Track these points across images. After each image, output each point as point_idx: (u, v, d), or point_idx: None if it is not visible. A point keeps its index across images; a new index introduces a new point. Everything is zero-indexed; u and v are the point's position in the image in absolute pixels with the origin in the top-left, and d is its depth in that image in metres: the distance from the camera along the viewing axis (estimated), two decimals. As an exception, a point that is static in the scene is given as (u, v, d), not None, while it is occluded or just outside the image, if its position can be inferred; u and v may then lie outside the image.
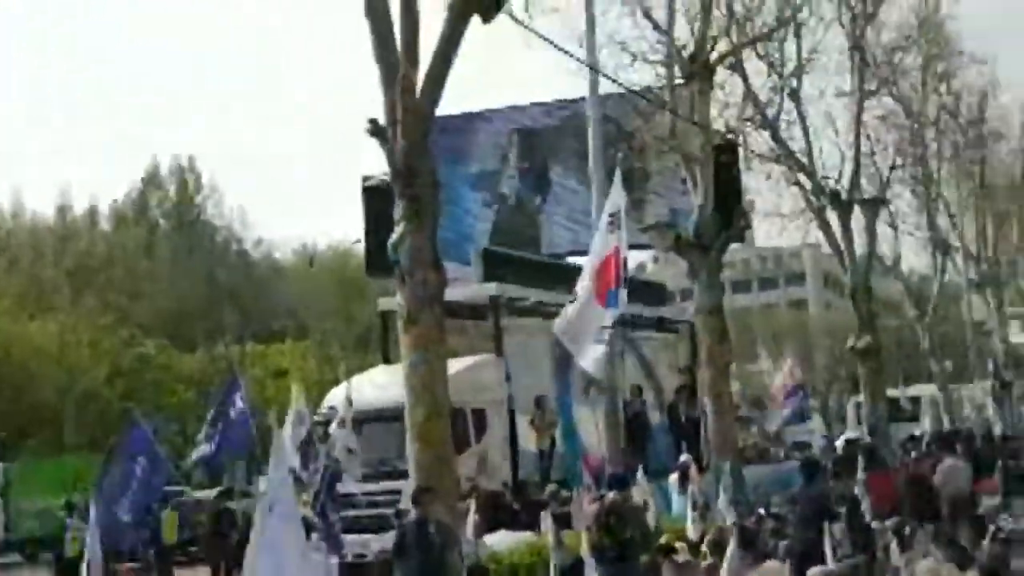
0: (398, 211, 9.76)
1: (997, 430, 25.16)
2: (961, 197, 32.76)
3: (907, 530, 11.13)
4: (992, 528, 10.30)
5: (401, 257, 9.65)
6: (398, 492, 13.02)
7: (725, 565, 9.77)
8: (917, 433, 24.85)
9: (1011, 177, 34.79)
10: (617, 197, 12.06)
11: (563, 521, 12.39)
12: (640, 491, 11.93)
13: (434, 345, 9.78)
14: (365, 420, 16.88)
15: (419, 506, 9.38)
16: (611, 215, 11.97)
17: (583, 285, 11.51)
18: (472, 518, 12.83)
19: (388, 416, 14.14)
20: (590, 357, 11.53)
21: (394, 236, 9.74)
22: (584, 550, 9.80)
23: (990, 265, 33.79)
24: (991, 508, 12.11)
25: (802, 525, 10.03)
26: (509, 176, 25.28)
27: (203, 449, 16.89)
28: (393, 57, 9.49)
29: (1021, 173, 34.70)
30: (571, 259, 23.29)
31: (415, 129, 9.49)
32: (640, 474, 12.90)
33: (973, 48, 30.42)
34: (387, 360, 19.75)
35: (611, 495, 9.62)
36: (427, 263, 9.70)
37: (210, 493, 24.07)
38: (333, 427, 13.05)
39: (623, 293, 11.58)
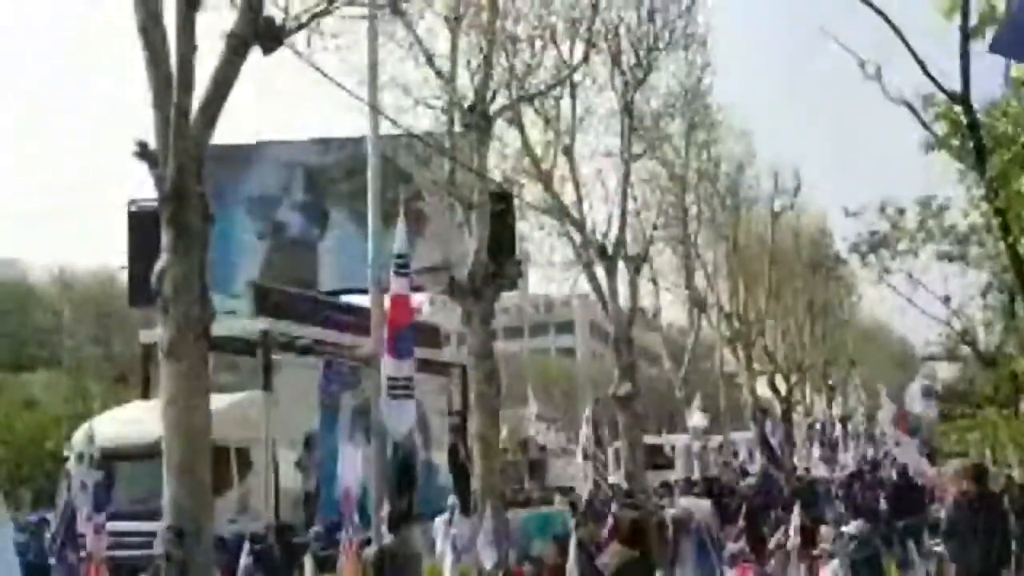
0: (165, 239, 9.39)
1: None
2: (716, 259, 35.02)
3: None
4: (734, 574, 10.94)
5: (164, 287, 9.27)
6: (151, 533, 12.44)
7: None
8: (671, 480, 26.09)
9: (761, 242, 37.56)
10: (403, 240, 12.18)
11: (325, 564, 12.21)
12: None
13: (196, 380, 9.43)
14: (120, 457, 16.07)
15: (169, 547, 8.98)
16: (400, 256, 12.06)
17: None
18: (244, 560, 12.48)
19: (145, 453, 13.51)
20: (392, 416, 11.52)
21: (158, 265, 9.36)
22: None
23: (740, 322, 36.19)
24: (735, 553, 12.75)
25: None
26: (291, 207, 24.96)
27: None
28: (166, 78, 9.18)
29: (770, 239, 37.53)
30: (346, 298, 23.21)
31: (187, 155, 9.18)
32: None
33: (732, 121, 32.94)
34: (146, 395, 18.93)
35: (390, 539, 9.50)
36: (193, 295, 9.36)
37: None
38: (70, 463, 12.23)
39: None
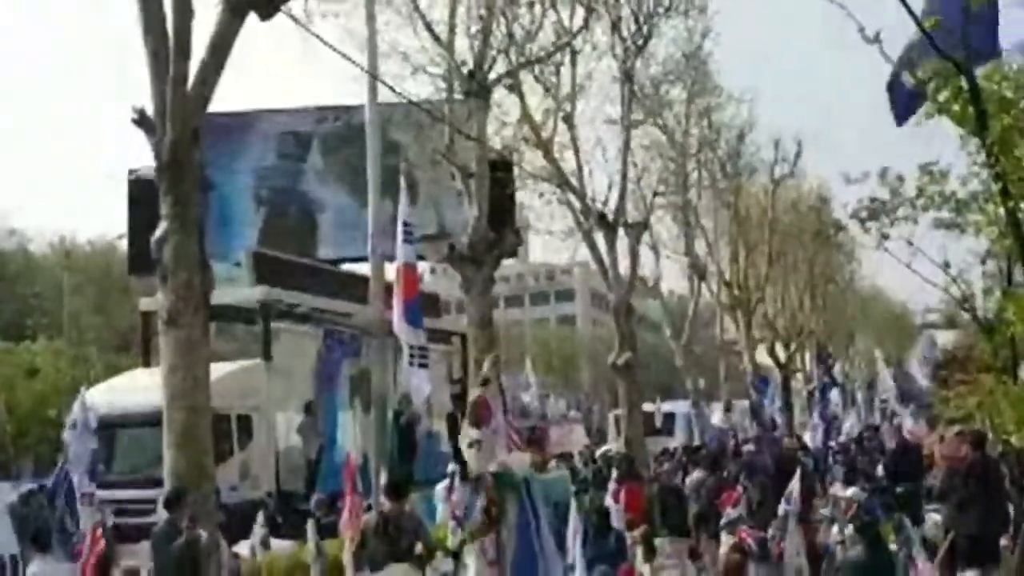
0: (163, 207, 9.38)
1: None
2: (717, 226, 34.93)
3: (655, 539, 11.75)
4: (732, 539, 11.02)
5: (164, 256, 9.27)
6: (151, 501, 12.51)
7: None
8: (671, 447, 26.18)
9: (762, 209, 37.44)
10: (407, 208, 12.16)
11: (327, 531, 12.27)
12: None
13: (197, 348, 9.46)
14: (121, 425, 16.14)
15: (171, 511, 9.06)
16: (407, 224, 12.05)
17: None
18: (259, 529, 12.61)
19: (146, 421, 13.57)
20: (413, 384, 11.55)
21: (157, 233, 9.35)
22: (347, 559, 9.71)
23: (740, 290, 36.15)
24: (733, 519, 12.82)
25: None
26: (290, 175, 24.92)
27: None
28: (163, 46, 9.13)
29: (771, 206, 37.39)
30: (345, 266, 23.22)
31: (184, 123, 9.15)
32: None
33: (732, 87, 32.69)
34: (147, 363, 18.98)
35: (387, 504, 9.53)
36: (192, 263, 9.37)
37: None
38: (65, 433, 12.26)
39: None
